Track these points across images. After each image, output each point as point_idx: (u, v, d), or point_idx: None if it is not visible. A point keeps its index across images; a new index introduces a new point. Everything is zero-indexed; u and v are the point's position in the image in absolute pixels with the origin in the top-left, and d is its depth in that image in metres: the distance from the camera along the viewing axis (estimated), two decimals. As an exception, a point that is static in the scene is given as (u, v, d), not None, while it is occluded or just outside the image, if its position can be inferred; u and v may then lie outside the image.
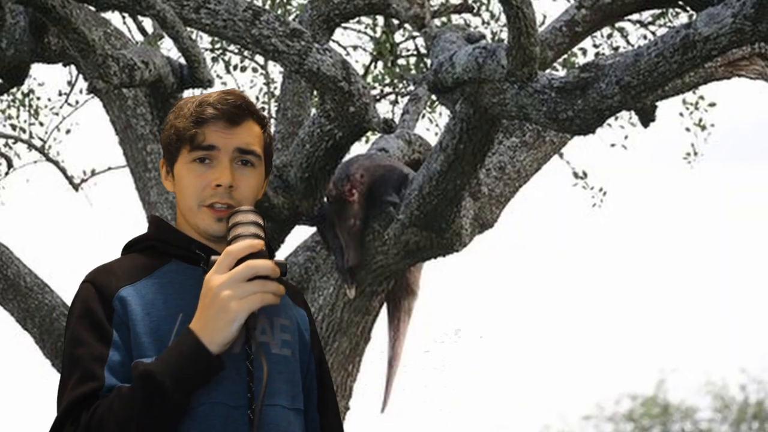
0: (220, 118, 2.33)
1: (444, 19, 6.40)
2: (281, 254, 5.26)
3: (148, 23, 7.23)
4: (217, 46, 7.76)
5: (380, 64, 7.62)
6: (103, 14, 5.81)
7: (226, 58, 7.85)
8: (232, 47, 7.72)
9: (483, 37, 4.15)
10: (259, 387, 2.24)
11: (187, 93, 4.69)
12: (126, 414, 2.15)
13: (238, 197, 2.32)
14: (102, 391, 2.19)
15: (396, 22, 7.23)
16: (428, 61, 5.15)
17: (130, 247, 2.41)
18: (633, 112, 6.10)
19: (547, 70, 4.31)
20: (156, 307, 2.26)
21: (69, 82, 8.26)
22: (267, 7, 7.31)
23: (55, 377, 5.87)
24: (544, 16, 7.47)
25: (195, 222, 2.34)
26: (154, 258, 2.34)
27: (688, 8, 4.45)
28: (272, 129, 5.85)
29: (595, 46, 7.71)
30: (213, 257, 2.24)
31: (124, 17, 7.48)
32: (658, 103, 5.17)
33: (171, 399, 2.15)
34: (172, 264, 2.33)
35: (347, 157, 4.75)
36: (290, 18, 6.75)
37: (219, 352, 2.18)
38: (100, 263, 2.36)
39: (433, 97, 6.10)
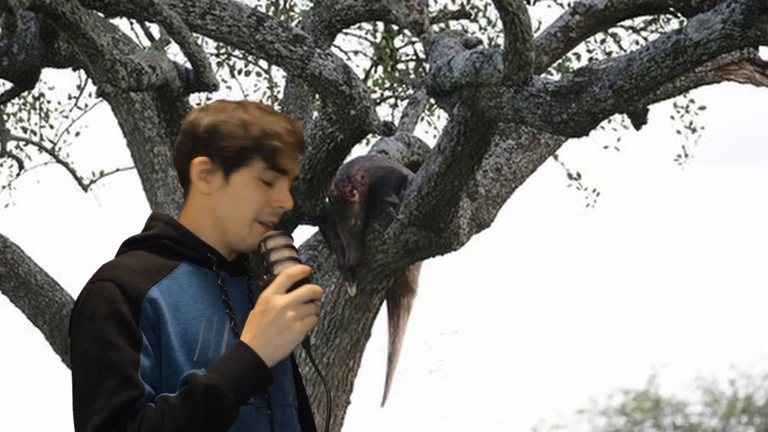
0: (296, 147, 2.34)
1: (442, 25, 6.39)
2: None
3: (155, 29, 7.22)
4: (222, 51, 7.75)
5: (380, 68, 7.61)
6: (111, 20, 5.81)
7: (231, 62, 7.84)
8: (236, 52, 7.71)
9: (480, 42, 4.15)
10: (271, 388, 2.25)
11: (193, 97, 4.69)
12: (184, 426, 2.13)
13: (280, 216, 2.37)
14: (142, 399, 2.15)
15: (396, 27, 7.22)
16: (427, 66, 5.14)
17: (133, 243, 2.34)
18: (625, 115, 6.10)
19: (542, 75, 4.31)
20: (181, 310, 2.24)
21: (78, 86, 8.25)
22: (270, 13, 7.30)
23: (65, 373, 5.86)
24: (539, 22, 7.46)
25: (241, 234, 2.32)
26: (164, 257, 2.30)
27: (679, 14, 4.44)
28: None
29: (589, 51, 7.70)
30: (267, 276, 2.26)
31: (131, 23, 7.47)
32: (649, 107, 5.16)
33: (230, 413, 2.16)
34: (185, 265, 2.30)
35: (348, 158, 4.75)
36: (293, 24, 6.75)
37: (271, 367, 2.21)
38: (108, 260, 2.29)
39: (432, 100, 6.09)
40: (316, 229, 5.10)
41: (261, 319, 2.21)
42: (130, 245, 2.34)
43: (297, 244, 5.43)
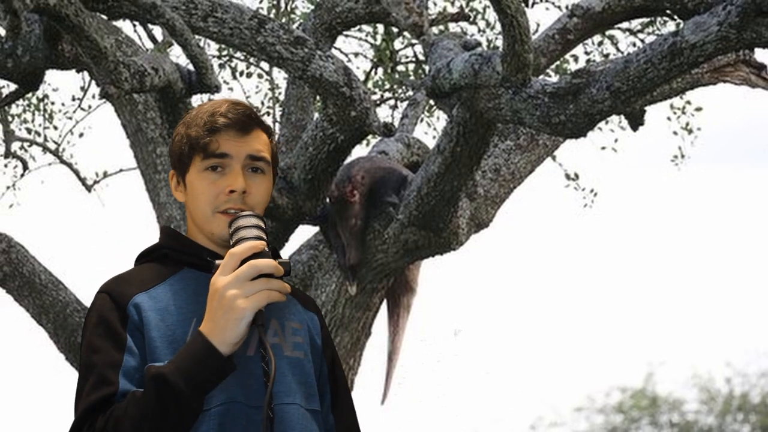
0: (232, 126, 2.31)
1: (441, 27, 6.40)
2: (285, 253, 5.26)
3: (158, 31, 7.23)
4: (224, 53, 7.76)
5: (380, 70, 7.61)
6: (114, 23, 5.81)
7: (233, 64, 7.84)
8: (238, 54, 7.71)
9: (479, 44, 4.14)
10: (275, 387, 2.22)
11: (195, 98, 4.69)
12: (140, 416, 2.12)
13: (251, 203, 2.32)
14: (117, 396, 2.17)
15: (395, 30, 7.23)
16: (426, 68, 5.14)
17: (144, 257, 2.39)
18: (623, 117, 6.09)
19: (541, 76, 4.31)
20: (170, 312, 2.24)
21: (82, 88, 8.26)
22: (272, 15, 7.31)
23: (69, 371, 5.87)
24: (538, 25, 7.47)
25: (210, 229, 2.32)
26: (167, 266, 2.33)
27: (675, 17, 4.45)
28: (277, 132, 5.85)
29: (587, 53, 7.70)
30: (217, 261, 2.21)
31: (135, 26, 7.48)
32: (646, 108, 5.16)
33: (183, 400, 2.13)
34: (184, 271, 2.32)
35: (349, 159, 4.75)
36: (294, 26, 6.75)
37: (229, 353, 2.16)
38: (115, 273, 2.34)
39: (431, 102, 6.09)
40: (316, 228, 5.11)
41: (209, 303, 2.18)
42: (140, 259, 2.40)
43: (298, 243, 5.44)
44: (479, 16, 7.61)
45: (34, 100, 8.26)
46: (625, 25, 7.27)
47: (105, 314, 2.24)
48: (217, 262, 2.21)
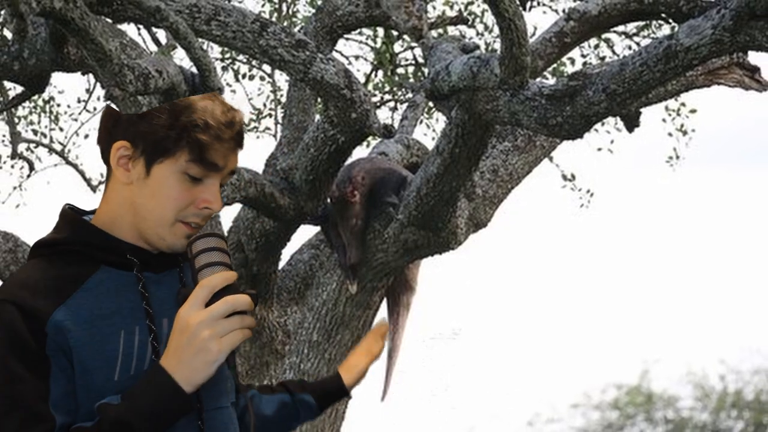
0: (236, 142, 2.03)
1: (440, 30, 6.39)
2: (287, 252, 5.26)
3: (161, 34, 7.23)
4: (227, 55, 7.75)
5: (380, 72, 7.61)
6: (119, 26, 5.80)
7: (236, 67, 7.84)
8: (241, 57, 7.71)
9: (477, 47, 4.14)
10: (204, 392, 1.99)
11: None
12: None
13: (209, 217, 2.06)
14: (54, 431, 1.89)
15: (395, 33, 7.22)
16: (426, 70, 5.14)
17: (43, 248, 2.03)
18: (618, 118, 6.09)
19: (538, 79, 4.31)
20: (96, 326, 1.94)
21: (87, 90, 8.26)
22: (274, 19, 7.30)
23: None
24: (535, 28, 7.47)
25: (160, 232, 2.01)
26: (78, 264, 1.99)
27: (670, 20, 4.44)
28: (279, 134, 5.84)
29: (583, 56, 7.70)
30: (185, 288, 1.96)
31: (139, 29, 7.47)
32: (642, 110, 5.15)
33: None
34: (101, 272, 2.00)
35: (349, 160, 4.75)
36: (295, 29, 6.74)
37: (193, 392, 1.93)
38: (14, 272, 2.03)
39: (431, 104, 6.09)
40: (318, 228, 5.10)
41: (177, 339, 1.91)
42: (39, 249, 2.03)
43: (300, 243, 5.44)
44: (478, 20, 7.61)
45: (40, 102, 8.26)
46: (621, 28, 7.27)
47: (16, 333, 1.89)
48: (184, 290, 1.95)
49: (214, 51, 7.71)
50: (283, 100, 6.84)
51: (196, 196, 2.01)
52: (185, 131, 1.98)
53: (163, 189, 1.99)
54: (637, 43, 7.50)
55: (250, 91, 8.40)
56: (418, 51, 7.42)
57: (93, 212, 2.09)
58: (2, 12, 5.35)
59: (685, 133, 7.76)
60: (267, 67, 7.81)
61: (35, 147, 8.45)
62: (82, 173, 8.38)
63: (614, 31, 7.40)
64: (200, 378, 1.92)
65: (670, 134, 7.79)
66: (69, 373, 1.92)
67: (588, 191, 7.89)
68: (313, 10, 6.34)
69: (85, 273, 1.98)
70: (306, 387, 2.38)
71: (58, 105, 8.36)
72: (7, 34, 5.19)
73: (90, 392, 1.92)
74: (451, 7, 7.50)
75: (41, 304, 1.92)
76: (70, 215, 2.05)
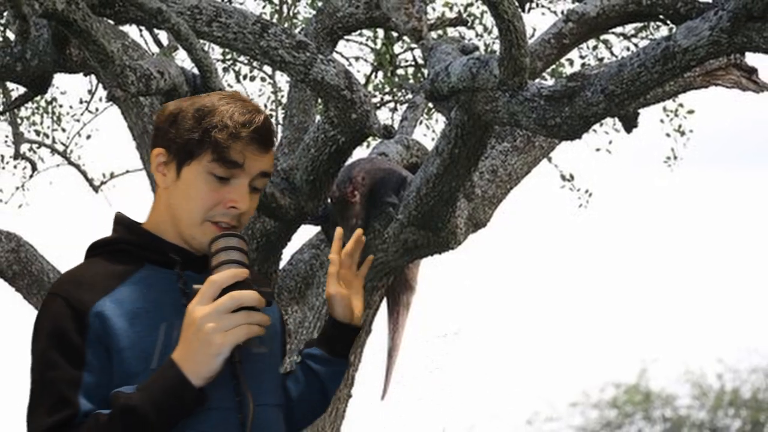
0: (257, 141, 2.11)
1: (440, 31, 6.39)
2: (288, 252, 5.26)
3: (163, 36, 7.23)
4: (228, 57, 7.76)
5: (380, 74, 7.61)
6: (121, 27, 5.81)
7: (237, 68, 7.84)
8: (242, 58, 7.71)
9: (476, 48, 4.14)
10: (249, 386, 2.05)
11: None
12: None
13: (243, 222, 2.14)
14: (77, 418, 1.97)
15: (395, 34, 7.22)
16: (425, 71, 5.14)
17: (96, 249, 2.16)
18: (617, 119, 6.09)
19: (537, 80, 4.31)
20: (138, 317, 2.03)
21: (89, 91, 8.26)
22: (274, 20, 7.30)
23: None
24: (534, 29, 7.48)
25: (191, 232, 2.11)
26: (125, 263, 2.10)
27: (668, 22, 4.44)
28: (279, 134, 5.85)
29: (582, 57, 7.71)
30: (195, 286, 2.02)
31: (141, 30, 7.48)
32: (640, 111, 5.15)
33: (156, 431, 1.95)
34: (145, 269, 2.10)
35: (350, 160, 4.75)
36: (296, 31, 6.75)
37: (202, 385, 1.98)
38: (67, 270, 2.13)
39: (430, 104, 6.09)
40: (318, 228, 5.10)
41: (185, 332, 1.98)
42: (92, 251, 2.16)
43: (300, 243, 5.44)
44: (477, 21, 7.61)
45: (42, 103, 8.26)
46: (619, 29, 7.27)
47: (60, 323, 2.00)
48: (196, 286, 2.01)
49: (216, 52, 7.72)
50: (284, 100, 6.84)
51: (224, 196, 2.09)
52: (207, 133, 2.08)
53: (191, 190, 2.09)
54: (636, 45, 7.50)
55: (251, 92, 8.41)
56: (417, 52, 7.42)
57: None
58: (5, 13, 5.36)
59: (682, 133, 7.77)
60: (268, 68, 7.81)
61: (38, 147, 8.45)
62: (84, 174, 8.38)
63: (612, 33, 7.40)
64: (206, 371, 1.97)
65: (668, 135, 7.80)
66: (104, 364, 2.00)
67: (586, 191, 7.89)
68: (314, 12, 6.35)
69: (130, 270, 2.08)
70: (310, 342, 2.38)
71: (61, 106, 8.36)
72: (10, 35, 5.19)
73: (128, 381, 1.99)
74: (451, 9, 7.50)
75: (86, 297, 2.02)
76: (121, 218, 2.17)
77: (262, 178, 2.13)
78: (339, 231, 2.39)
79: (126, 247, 2.11)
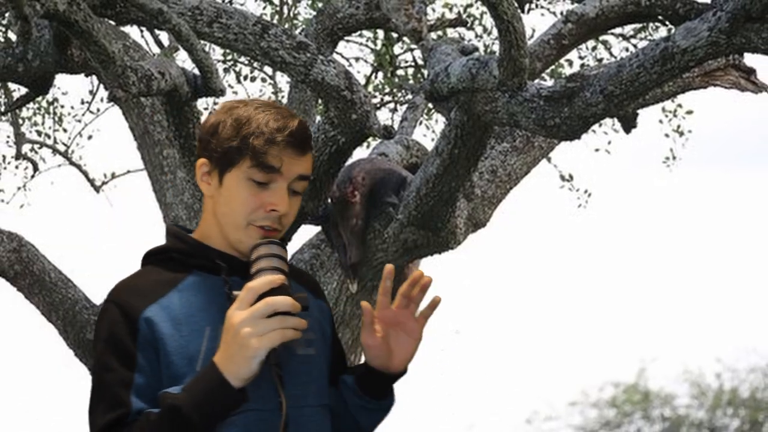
0: (294, 146, 2.20)
1: (440, 32, 6.40)
2: (288, 252, 5.26)
3: (164, 36, 7.23)
4: (229, 57, 7.76)
5: (380, 74, 7.61)
6: (122, 28, 5.81)
7: (237, 68, 7.84)
8: (242, 59, 7.71)
9: (476, 49, 4.14)
10: (286, 390, 2.15)
11: (201, 101, 4.68)
12: None
13: (285, 224, 2.23)
14: (129, 416, 2.10)
15: (395, 35, 7.23)
16: (425, 72, 5.14)
17: (150, 257, 2.28)
18: (616, 119, 6.10)
19: (536, 80, 4.31)
20: (183, 323, 2.15)
21: (90, 91, 8.27)
22: (275, 21, 7.30)
23: (77, 366, 5.87)
24: (533, 30, 7.48)
25: (237, 237, 2.21)
26: (174, 270, 2.22)
27: (667, 23, 4.44)
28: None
29: (581, 57, 7.71)
30: (235, 292, 2.12)
31: (142, 31, 7.48)
32: (639, 111, 5.16)
33: (199, 430, 2.07)
34: (193, 276, 2.21)
35: (350, 161, 4.75)
36: (296, 32, 6.75)
37: (242, 386, 2.09)
38: (124, 277, 2.24)
39: (430, 105, 6.09)
40: (318, 228, 5.10)
41: (225, 336, 2.09)
42: (146, 259, 2.28)
43: (301, 243, 5.44)
44: (476, 22, 7.61)
45: (44, 104, 8.26)
46: (618, 30, 7.28)
47: (114, 329, 2.14)
48: (235, 293, 2.11)
49: (216, 53, 7.72)
50: (285, 101, 6.84)
51: (264, 200, 2.19)
52: (245, 140, 2.18)
53: (233, 195, 2.20)
54: (634, 45, 7.50)
55: (251, 93, 8.41)
56: (417, 53, 7.42)
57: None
58: (7, 14, 5.36)
59: (681, 134, 7.77)
60: (268, 69, 7.81)
61: (39, 148, 8.45)
62: (85, 174, 8.38)
63: (612, 33, 7.41)
64: (244, 373, 2.07)
65: (666, 135, 7.81)
66: (154, 366, 2.12)
67: (586, 191, 7.90)
68: (314, 13, 6.35)
69: (180, 277, 2.20)
70: (352, 368, 2.39)
71: (62, 106, 8.36)
72: (12, 36, 5.19)
73: (175, 382, 2.11)
74: (451, 10, 7.51)
75: (137, 303, 2.14)
76: (172, 229, 2.29)
77: (300, 182, 2.22)
78: (388, 269, 2.28)
79: (176, 255, 2.22)
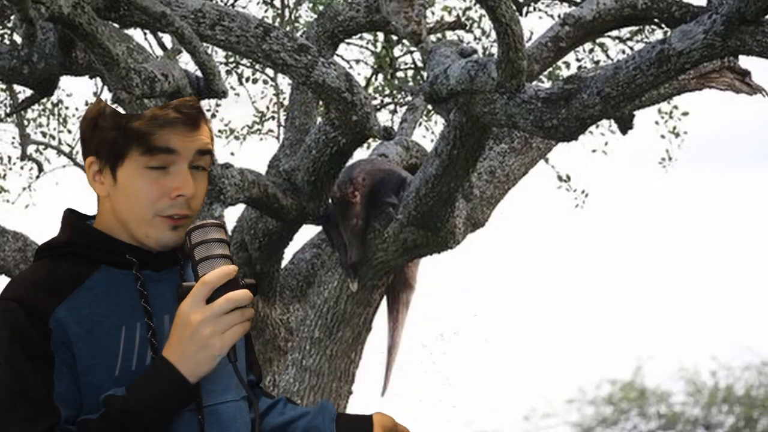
0: (183, 122, 1.98)
1: (439, 35, 6.39)
2: (290, 251, 5.26)
3: (167, 39, 7.23)
4: (231, 59, 7.76)
5: (380, 76, 7.61)
6: (126, 31, 5.81)
7: (239, 71, 7.84)
8: (244, 61, 7.71)
9: (475, 51, 4.14)
10: (205, 387, 1.98)
11: (204, 103, 4.68)
12: None
13: (195, 206, 2.00)
14: (60, 423, 1.89)
15: (395, 38, 7.23)
16: (425, 74, 5.14)
17: (46, 251, 2.02)
18: (612, 121, 6.10)
19: (534, 82, 4.31)
20: (96, 323, 1.93)
21: (95, 93, 8.25)
22: (276, 24, 7.30)
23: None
24: (531, 33, 7.47)
25: (144, 231, 1.99)
26: (79, 264, 1.98)
27: (663, 25, 4.44)
28: (281, 136, 5.85)
29: (578, 60, 7.71)
30: (186, 284, 1.94)
31: (145, 34, 7.48)
32: (635, 112, 5.16)
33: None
34: (101, 271, 1.99)
35: (350, 161, 4.75)
36: (298, 34, 6.75)
37: (195, 383, 1.93)
38: (18, 273, 2.04)
39: (429, 106, 6.09)
40: (319, 228, 5.11)
41: (180, 333, 1.91)
42: (43, 252, 2.03)
43: (302, 242, 5.44)
44: (475, 25, 7.61)
45: (49, 105, 8.27)
46: (614, 33, 7.28)
47: (21, 330, 1.90)
48: (186, 284, 1.93)
49: (219, 55, 7.72)
50: (286, 103, 6.84)
51: (167, 186, 1.97)
52: (127, 128, 1.97)
53: (131, 189, 1.98)
54: (631, 48, 7.50)
55: (253, 95, 8.41)
56: (417, 55, 7.42)
57: (94, 217, 2.09)
58: (12, 17, 5.36)
59: (677, 135, 7.77)
60: (270, 71, 7.81)
61: (44, 149, 8.46)
62: (89, 174, 8.38)
63: (608, 36, 7.40)
64: (203, 371, 1.92)
65: (662, 136, 7.80)
66: (73, 370, 1.92)
67: (583, 192, 7.90)
68: (315, 16, 6.35)
69: (86, 272, 1.98)
70: (338, 418, 2.25)
71: (67, 108, 8.37)
72: (17, 38, 5.19)
73: (91, 387, 1.92)
74: (450, 13, 7.50)
75: (43, 302, 1.91)
76: (72, 219, 2.05)
77: (202, 157, 2.00)
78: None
79: (79, 250, 2.00)
